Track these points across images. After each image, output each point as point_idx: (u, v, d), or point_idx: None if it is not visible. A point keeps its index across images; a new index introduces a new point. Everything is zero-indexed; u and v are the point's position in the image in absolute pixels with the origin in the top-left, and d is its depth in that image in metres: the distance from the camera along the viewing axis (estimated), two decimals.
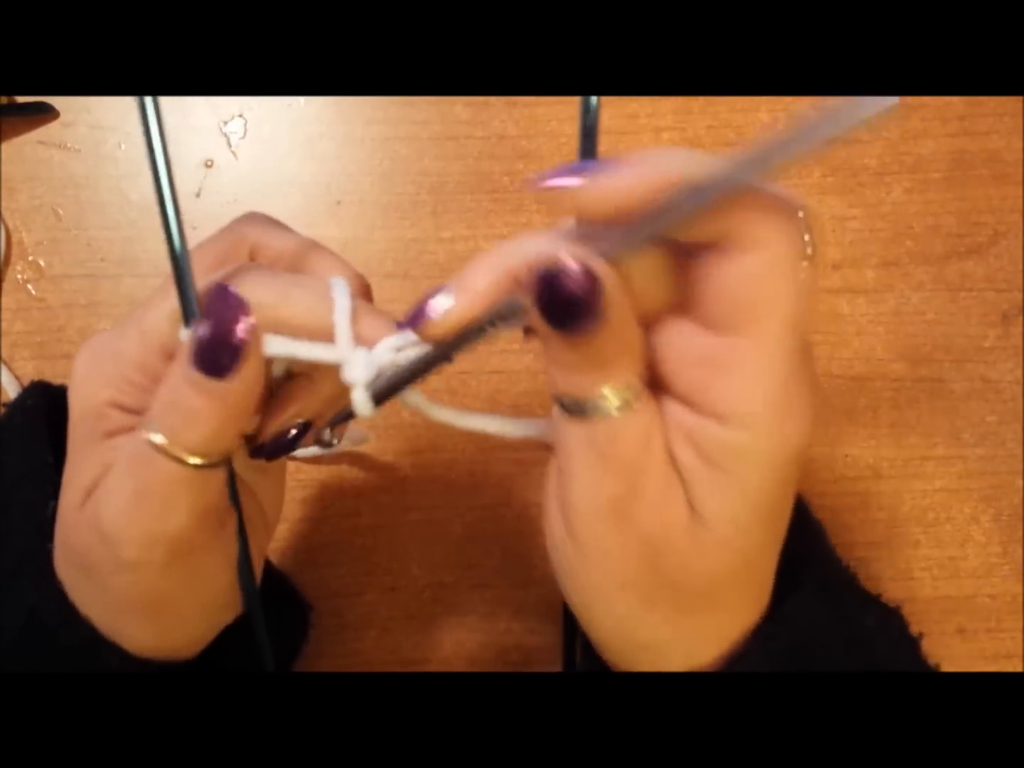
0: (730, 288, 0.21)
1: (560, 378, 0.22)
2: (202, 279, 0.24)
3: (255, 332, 0.23)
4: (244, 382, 0.23)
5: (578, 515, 0.23)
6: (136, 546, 0.24)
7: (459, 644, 0.40)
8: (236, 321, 0.23)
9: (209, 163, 0.45)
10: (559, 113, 0.46)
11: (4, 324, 0.43)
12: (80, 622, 0.25)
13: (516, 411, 0.42)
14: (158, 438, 0.23)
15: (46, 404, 0.29)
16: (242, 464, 0.27)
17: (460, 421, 0.26)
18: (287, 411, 0.26)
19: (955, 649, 0.42)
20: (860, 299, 0.45)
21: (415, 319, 0.23)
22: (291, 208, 0.45)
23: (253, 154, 0.45)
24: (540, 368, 0.36)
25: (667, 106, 0.46)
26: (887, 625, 0.26)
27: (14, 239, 0.44)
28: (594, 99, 0.22)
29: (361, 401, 0.24)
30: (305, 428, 0.27)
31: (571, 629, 0.27)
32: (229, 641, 0.29)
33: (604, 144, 0.50)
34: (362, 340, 0.24)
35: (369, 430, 0.42)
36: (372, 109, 0.46)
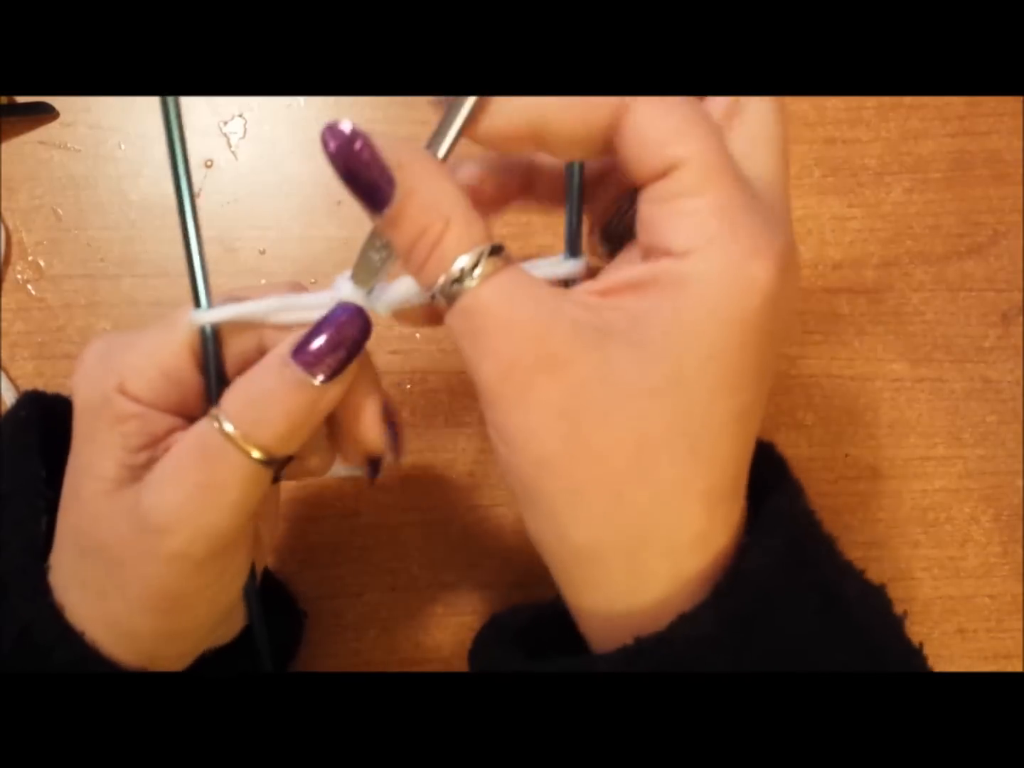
0: (643, 134, 0.22)
1: (415, 273, 0.23)
2: None
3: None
4: (341, 386, 0.24)
5: (486, 406, 0.23)
6: (183, 539, 0.24)
7: (459, 644, 0.40)
8: (357, 328, 0.24)
9: (209, 163, 0.45)
10: None
11: (4, 324, 0.43)
12: (75, 639, 0.25)
13: None
14: (230, 428, 0.24)
15: (38, 414, 0.29)
16: None
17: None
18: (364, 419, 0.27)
19: (955, 649, 0.42)
20: (860, 299, 0.45)
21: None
22: (291, 208, 0.45)
23: (253, 154, 0.45)
24: None
25: None
26: (868, 597, 0.24)
27: (14, 239, 0.44)
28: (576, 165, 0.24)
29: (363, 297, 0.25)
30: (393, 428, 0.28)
31: None
32: (220, 653, 0.29)
33: None
34: None
35: None
36: (372, 109, 0.46)
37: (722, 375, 0.21)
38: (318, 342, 0.24)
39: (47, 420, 0.28)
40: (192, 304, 0.25)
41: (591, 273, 0.26)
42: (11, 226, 0.44)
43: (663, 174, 0.22)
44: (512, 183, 0.28)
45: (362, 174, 0.22)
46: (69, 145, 0.45)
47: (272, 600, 0.32)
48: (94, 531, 0.25)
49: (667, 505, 0.22)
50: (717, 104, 0.23)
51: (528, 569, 0.41)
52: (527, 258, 0.26)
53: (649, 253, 0.23)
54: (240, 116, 0.46)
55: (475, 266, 0.22)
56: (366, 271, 0.25)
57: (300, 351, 0.24)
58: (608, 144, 0.23)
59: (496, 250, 0.23)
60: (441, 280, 0.23)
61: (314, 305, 0.25)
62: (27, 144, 0.45)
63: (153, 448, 0.25)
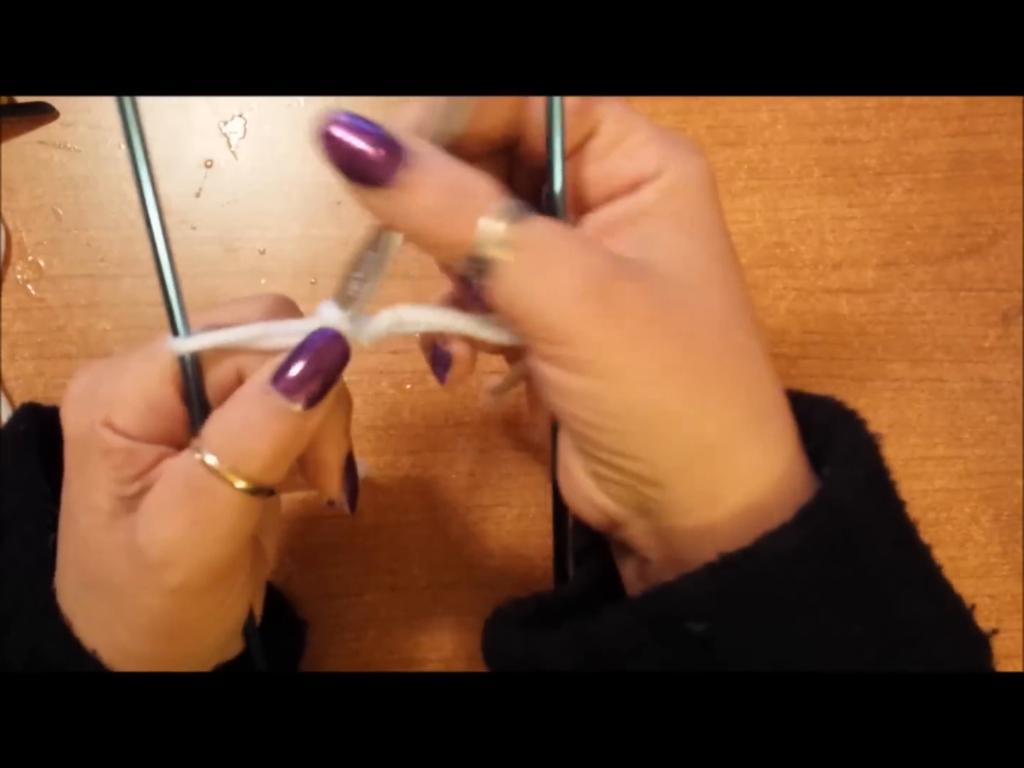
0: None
1: (435, 250, 0.24)
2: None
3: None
4: (322, 412, 0.24)
5: (568, 343, 0.22)
6: (182, 572, 0.24)
7: (459, 644, 0.40)
8: (336, 353, 0.24)
9: (209, 163, 0.45)
10: None
11: (4, 324, 0.43)
12: (85, 658, 0.25)
13: (517, 410, 0.42)
14: (213, 461, 0.23)
15: (37, 428, 0.28)
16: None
17: (433, 322, 0.26)
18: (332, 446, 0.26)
19: None
20: (860, 299, 0.45)
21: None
22: (291, 208, 0.45)
23: (253, 154, 0.45)
24: None
25: (667, 106, 0.46)
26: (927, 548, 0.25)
27: (14, 239, 0.44)
28: (557, 99, 0.24)
29: (347, 326, 0.24)
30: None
31: (562, 541, 0.27)
32: (230, 666, 0.29)
33: None
34: None
35: (368, 429, 0.42)
36: (372, 109, 0.46)
37: (724, 269, 0.24)
38: (297, 368, 0.23)
39: (46, 432, 0.28)
40: (169, 332, 0.25)
41: None
42: (11, 226, 0.44)
43: (588, 136, 0.25)
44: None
45: (369, 146, 0.22)
46: (69, 145, 0.45)
47: (272, 611, 0.32)
48: (94, 565, 0.25)
49: (729, 406, 0.23)
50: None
51: (528, 569, 0.41)
52: None
53: (611, 195, 0.25)
54: (240, 116, 0.46)
55: (511, 213, 0.22)
56: (346, 299, 0.24)
57: (279, 378, 0.23)
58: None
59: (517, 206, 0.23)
60: (487, 227, 0.22)
61: (295, 332, 0.24)
62: (27, 144, 0.45)
63: (144, 478, 0.25)
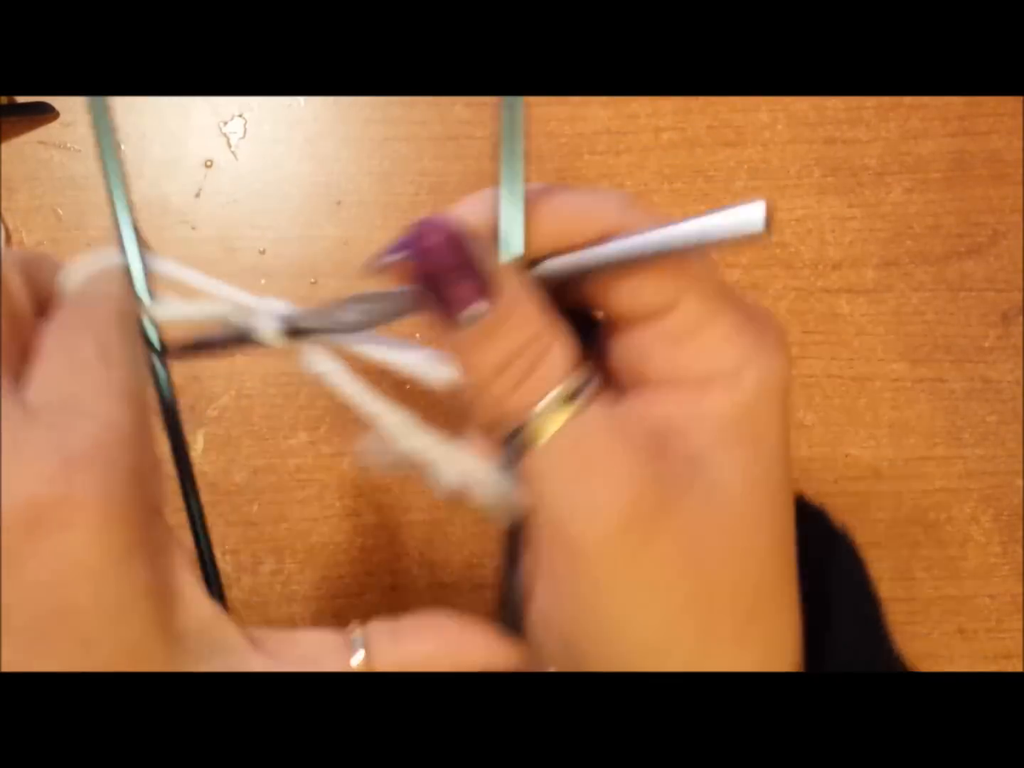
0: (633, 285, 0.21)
1: (497, 394, 0.20)
2: None
3: None
4: None
5: (594, 563, 0.20)
6: None
7: None
8: None
9: (209, 163, 0.45)
10: (559, 113, 0.46)
11: None
12: None
13: None
14: None
15: None
16: None
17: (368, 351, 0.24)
18: None
19: (955, 649, 0.42)
20: (860, 299, 0.45)
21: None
22: (291, 208, 0.45)
23: (253, 154, 0.45)
24: None
25: (667, 106, 0.46)
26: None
27: (14, 239, 0.44)
28: (519, 99, 0.22)
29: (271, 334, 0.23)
30: None
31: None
32: None
33: (604, 143, 0.50)
34: None
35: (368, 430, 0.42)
36: (372, 109, 0.46)
37: (785, 490, 0.21)
38: None
39: None
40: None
41: None
42: (11, 226, 0.44)
43: (662, 311, 0.21)
44: None
45: (455, 273, 0.19)
46: (69, 145, 0.45)
47: None
48: None
49: (783, 625, 0.22)
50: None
51: None
52: None
53: (675, 381, 0.21)
54: (240, 116, 0.46)
55: (574, 393, 0.20)
56: (313, 318, 0.23)
57: None
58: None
59: (587, 376, 0.20)
60: (542, 405, 0.20)
61: (264, 311, 0.23)
62: (27, 144, 0.45)
63: None
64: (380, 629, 0.22)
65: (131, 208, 0.24)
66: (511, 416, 0.20)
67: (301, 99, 0.46)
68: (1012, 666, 0.41)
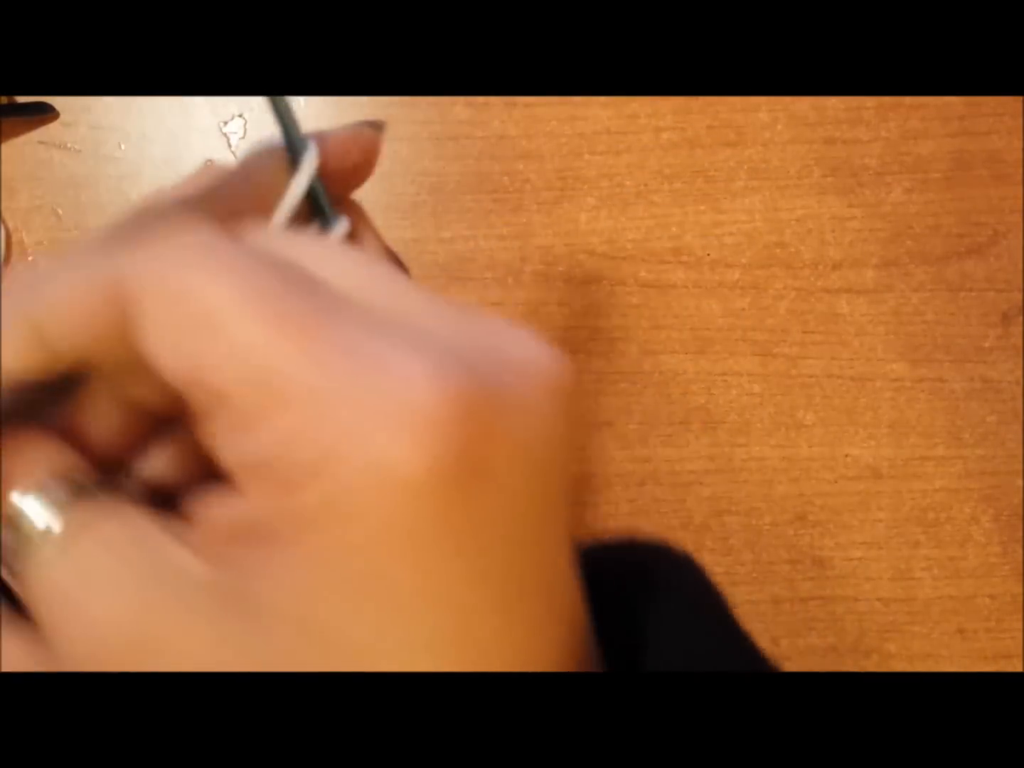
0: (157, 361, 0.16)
1: None
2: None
3: None
4: None
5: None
6: None
7: None
8: None
9: (209, 163, 0.45)
10: (559, 113, 0.46)
11: None
12: None
13: None
14: None
15: None
16: None
17: None
18: None
19: (955, 649, 0.42)
20: (860, 299, 0.45)
21: None
22: None
23: None
24: None
25: (667, 106, 0.46)
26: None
27: (14, 239, 0.44)
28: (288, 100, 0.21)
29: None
30: None
31: None
32: None
33: (604, 143, 0.50)
34: None
35: None
36: (372, 109, 0.46)
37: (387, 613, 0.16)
38: None
39: None
40: None
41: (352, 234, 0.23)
42: (11, 226, 0.44)
43: (208, 404, 0.16)
44: None
45: None
46: (69, 145, 0.45)
47: None
48: None
49: None
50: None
51: None
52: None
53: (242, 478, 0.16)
54: (240, 116, 0.46)
55: (53, 515, 0.16)
56: None
57: None
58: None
59: (79, 483, 0.17)
60: (28, 508, 0.16)
61: None
62: (27, 144, 0.45)
63: None
64: None
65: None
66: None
67: (301, 99, 0.46)
68: (1012, 666, 0.41)
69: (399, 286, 0.17)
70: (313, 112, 0.46)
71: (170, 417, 0.18)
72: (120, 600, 0.16)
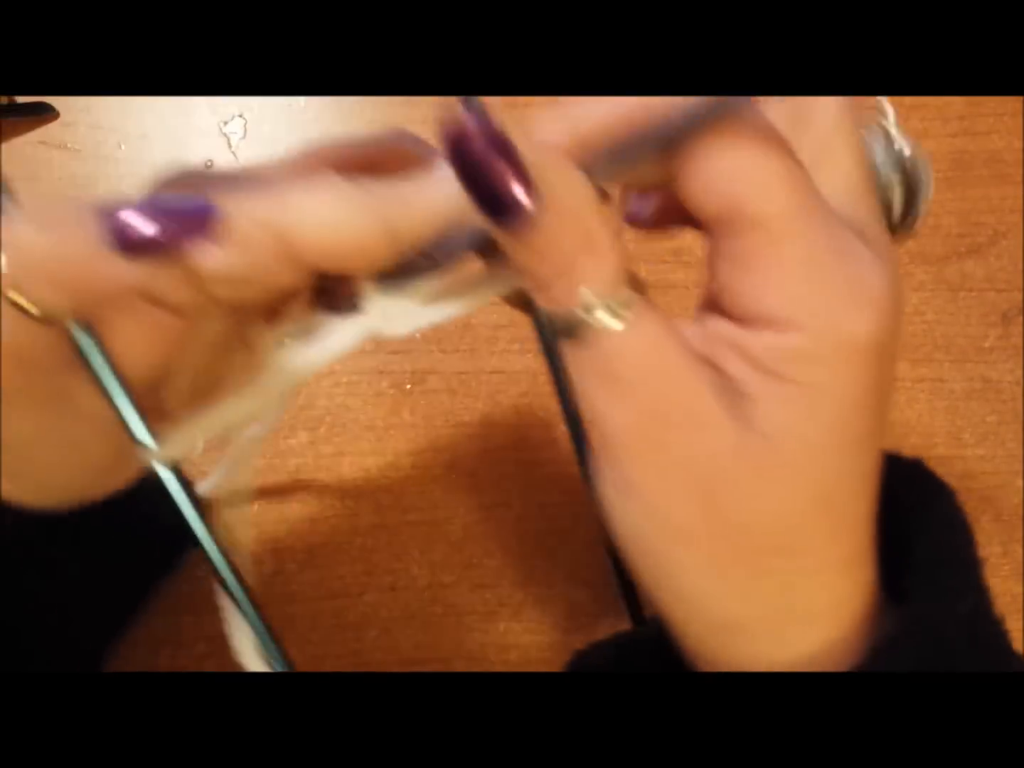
0: (716, 185, 0.20)
1: (536, 293, 0.20)
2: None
3: None
4: (145, 274, 0.22)
5: (611, 458, 0.21)
6: None
7: (459, 644, 0.40)
8: (201, 229, 0.21)
9: (209, 163, 0.45)
10: None
11: None
12: None
13: (516, 411, 0.42)
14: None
15: None
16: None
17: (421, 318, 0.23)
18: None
19: None
20: None
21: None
22: None
23: (253, 154, 0.45)
24: (541, 368, 0.36)
25: None
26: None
27: None
28: None
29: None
30: None
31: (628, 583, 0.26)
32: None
33: None
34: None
35: (368, 430, 0.42)
36: (372, 109, 0.46)
37: (848, 443, 0.21)
38: (145, 220, 0.21)
39: None
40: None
41: None
42: None
43: (739, 230, 0.20)
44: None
45: (497, 175, 0.19)
46: (69, 145, 0.45)
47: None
48: None
49: (810, 577, 0.21)
50: (776, 112, 0.21)
51: (528, 570, 0.41)
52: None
53: (735, 313, 0.21)
54: (240, 116, 0.46)
55: (615, 304, 0.20)
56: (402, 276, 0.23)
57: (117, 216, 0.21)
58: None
59: (637, 287, 0.21)
60: (572, 313, 0.20)
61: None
62: (27, 144, 0.45)
63: None
64: None
65: None
66: (552, 319, 0.21)
67: (301, 99, 0.46)
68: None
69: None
70: (313, 112, 0.46)
71: None
72: (676, 363, 0.20)
